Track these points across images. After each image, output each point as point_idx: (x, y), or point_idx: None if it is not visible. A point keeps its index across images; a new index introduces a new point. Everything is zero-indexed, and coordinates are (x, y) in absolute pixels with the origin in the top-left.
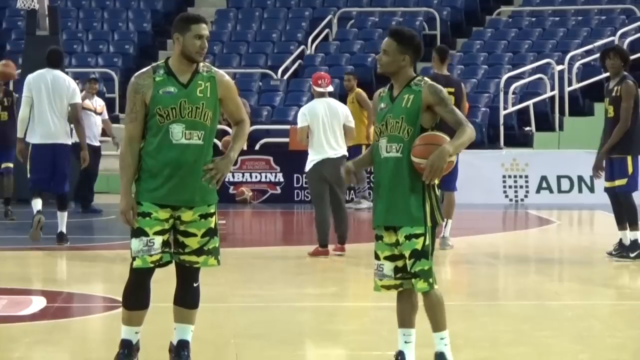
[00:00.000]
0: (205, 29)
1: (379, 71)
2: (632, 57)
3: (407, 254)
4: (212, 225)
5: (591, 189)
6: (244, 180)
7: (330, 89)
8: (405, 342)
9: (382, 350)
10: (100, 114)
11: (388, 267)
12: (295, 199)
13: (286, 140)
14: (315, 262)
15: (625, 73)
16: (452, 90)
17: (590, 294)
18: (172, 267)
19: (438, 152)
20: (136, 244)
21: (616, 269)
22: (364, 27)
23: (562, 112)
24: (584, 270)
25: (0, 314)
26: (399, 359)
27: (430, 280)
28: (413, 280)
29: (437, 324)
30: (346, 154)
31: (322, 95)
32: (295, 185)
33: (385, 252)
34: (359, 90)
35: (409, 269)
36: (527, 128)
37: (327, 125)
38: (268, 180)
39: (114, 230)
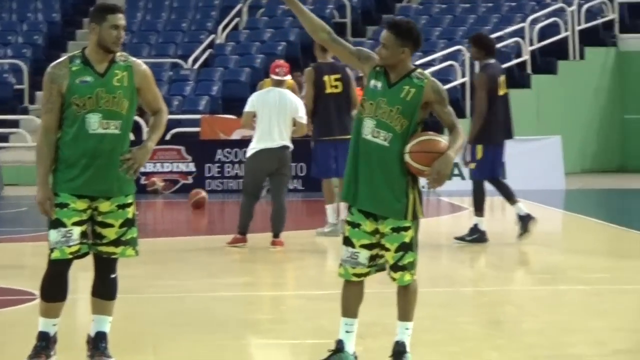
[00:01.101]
0: (121, 19)
1: (379, 64)
2: (543, 43)
3: (393, 247)
4: (130, 216)
5: (503, 176)
6: (155, 170)
7: (288, 77)
8: (347, 331)
9: (301, 339)
10: None
11: (364, 255)
12: (207, 188)
13: (197, 129)
14: (230, 252)
15: (489, 61)
16: (339, 76)
17: (504, 280)
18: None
19: (443, 160)
20: (54, 235)
21: (530, 255)
22: (274, 15)
23: (472, 99)
24: (497, 257)
25: None
26: (339, 348)
27: (414, 272)
28: (399, 272)
29: (408, 315)
30: (289, 145)
31: (278, 84)
32: (206, 175)
33: (363, 240)
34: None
35: (394, 262)
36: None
37: (274, 115)
38: (179, 170)
39: (27, 222)
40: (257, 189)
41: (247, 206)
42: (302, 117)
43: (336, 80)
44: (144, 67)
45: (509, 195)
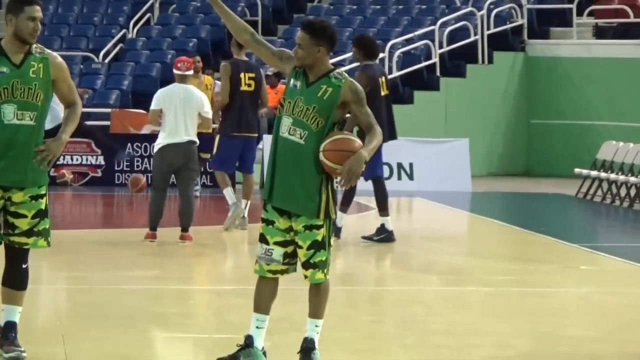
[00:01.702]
0: (38, 11)
1: (297, 64)
2: (452, 47)
3: (305, 244)
4: (43, 207)
5: (410, 176)
6: (65, 162)
7: (190, 72)
8: (257, 327)
9: (208, 334)
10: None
11: (278, 252)
12: (116, 182)
13: (107, 123)
14: (139, 245)
15: (368, 63)
16: (253, 75)
17: (411, 280)
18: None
19: (355, 158)
20: None
21: (437, 256)
22: (186, 12)
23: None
24: (404, 256)
25: None
26: (248, 343)
27: (326, 270)
28: (310, 270)
29: (318, 312)
30: (195, 140)
31: (182, 79)
32: (116, 168)
33: (276, 237)
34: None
35: (306, 259)
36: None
37: (179, 111)
38: (89, 163)
39: None
40: (165, 183)
41: (156, 201)
42: (208, 112)
43: (250, 79)
44: (60, 59)
45: (383, 204)
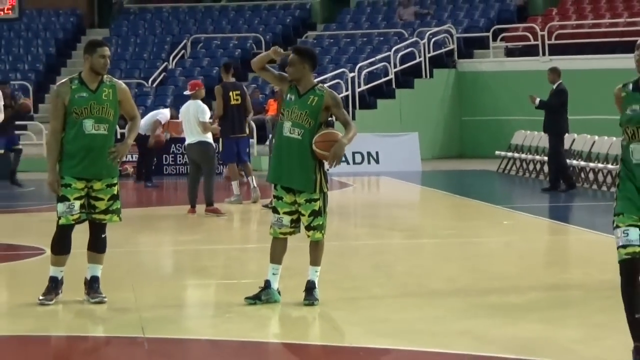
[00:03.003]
0: (107, 51)
1: (289, 79)
2: (404, 66)
3: (306, 213)
4: (115, 192)
5: (377, 161)
6: (127, 160)
7: (187, 93)
8: (273, 273)
9: (237, 279)
10: None
11: (286, 219)
12: (164, 173)
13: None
14: (179, 217)
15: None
16: (239, 92)
17: (380, 235)
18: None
19: (338, 145)
20: (61, 207)
21: (397, 218)
22: (210, 48)
23: (354, 107)
24: (375, 218)
25: None
26: (267, 286)
27: (323, 231)
28: (312, 231)
29: (317, 261)
30: (202, 139)
31: (188, 97)
32: (163, 162)
33: (285, 209)
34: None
35: (308, 223)
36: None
37: (185, 119)
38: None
39: (33, 198)
40: (191, 172)
41: (188, 186)
42: (205, 118)
43: (237, 95)
44: (124, 86)
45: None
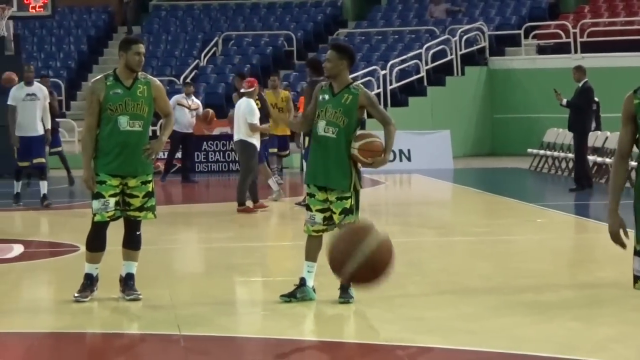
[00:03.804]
0: (142, 48)
1: (325, 75)
2: (435, 64)
3: (338, 210)
4: (150, 189)
5: (409, 159)
6: (159, 157)
7: (251, 89)
8: (308, 271)
9: (272, 277)
10: (195, 109)
11: (319, 217)
12: (196, 170)
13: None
14: (214, 214)
15: (317, 78)
16: (258, 99)
17: (413, 233)
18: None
19: (382, 161)
20: (96, 204)
21: (429, 215)
22: (241, 45)
23: (386, 104)
24: (408, 216)
25: None
26: (302, 283)
27: None
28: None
29: None
30: (244, 138)
31: (242, 95)
32: (195, 160)
33: (317, 206)
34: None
35: (339, 222)
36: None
37: (236, 117)
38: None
39: (68, 195)
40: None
41: (245, 182)
42: (253, 120)
43: (256, 101)
44: (158, 83)
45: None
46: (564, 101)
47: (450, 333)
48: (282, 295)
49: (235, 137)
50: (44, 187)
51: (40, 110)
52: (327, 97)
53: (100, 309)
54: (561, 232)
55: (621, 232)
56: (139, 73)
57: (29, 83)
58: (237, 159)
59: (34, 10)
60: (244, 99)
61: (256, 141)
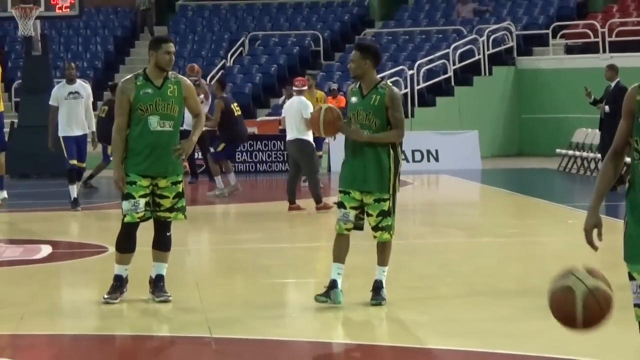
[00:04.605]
0: (172, 47)
1: (351, 75)
2: (463, 64)
3: (375, 213)
4: (180, 190)
5: (436, 159)
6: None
7: (296, 88)
8: (338, 273)
9: (303, 279)
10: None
11: (352, 214)
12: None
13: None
14: (243, 215)
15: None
16: (237, 103)
17: (444, 234)
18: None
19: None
20: (126, 205)
21: (459, 216)
22: (268, 45)
23: (413, 104)
24: (437, 217)
25: (18, 258)
26: (333, 285)
27: (391, 232)
28: (379, 232)
29: (385, 261)
30: (301, 137)
31: (295, 93)
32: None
33: (352, 204)
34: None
35: (375, 224)
36: None
37: (289, 115)
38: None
39: (95, 196)
40: (290, 169)
41: (288, 182)
42: (308, 114)
43: (236, 106)
44: (189, 82)
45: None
46: (602, 107)
47: (485, 335)
48: (318, 296)
49: (289, 137)
50: (73, 191)
51: (84, 108)
52: (356, 99)
53: (130, 310)
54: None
55: (595, 232)
56: (169, 72)
57: (71, 81)
58: (284, 158)
59: (61, 11)
60: (294, 97)
61: (310, 138)
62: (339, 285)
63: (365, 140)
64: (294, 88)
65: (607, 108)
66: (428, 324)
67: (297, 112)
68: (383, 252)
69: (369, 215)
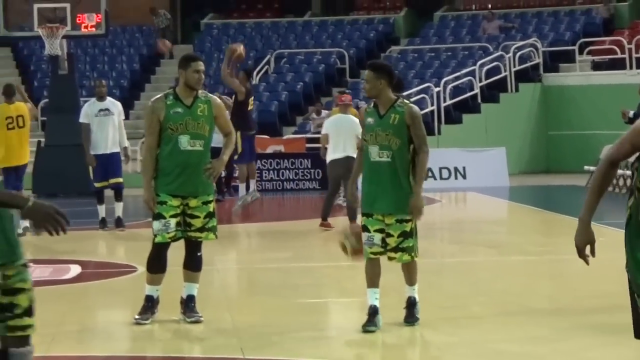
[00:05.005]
0: (201, 65)
1: (366, 96)
2: (489, 81)
3: (395, 234)
4: (211, 210)
5: (464, 176)
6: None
7: (342, 104)
8: (376, 298)
9: (333, 298)
10: None
11: (377, 237)
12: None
13: None
14: (270, 233)
15: None
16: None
17: (474, 252)
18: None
19: (415, 198)
20: (157, 225)
21: (488, 234)
22: (293, 63)
23: (439, 121)
24: (465, 235)
25: (47, 278)
26: (375, 311)
27: (413, 253)
28: (399, 253)
29: (412, 280)
30: (352, 155)
31: (344, 109)
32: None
33: (376, 226)
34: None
35: (396, 245)
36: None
37: (336, 133)
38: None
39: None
40: (335, 187)
41: (328, 200)
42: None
43: (252, 100)
44: (219, 101)
45: None
46: (631, 113)
47: (519, 357)
48: (365, 327)
49: (338, 155)
50: (119, 209)
51: (115, 126)
52: (373, 120)
53: (161, 331)
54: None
55: (588, 248)
56: (199, 91)
57: (101, 98)
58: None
59: (87, 30)
60: (341, 115)
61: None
62: (378, 310)
63: (420, 202)
64: (340, 103)
65: None
66: (460, 345)
67: (350, 130)
68: (409, 271)
69: (389, 235)
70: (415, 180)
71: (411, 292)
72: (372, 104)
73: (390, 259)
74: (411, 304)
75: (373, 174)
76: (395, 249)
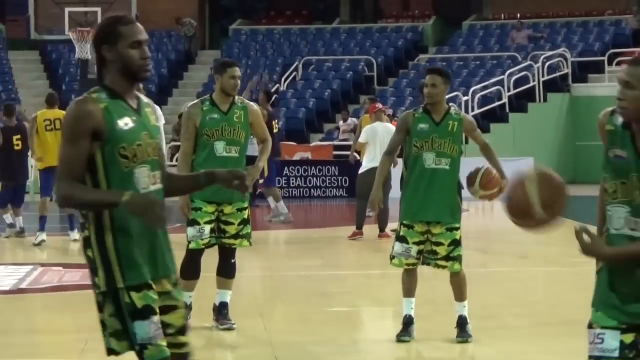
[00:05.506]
0: (237, 71)
1: (428, 102)
2: (517, 90)
3: (446, 242)
4: (246, 216)
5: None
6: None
7: (381, 108)
8: (411, 308)
9: (363, 307)
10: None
11: (415, 249)
12: None
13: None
14: (304, 240)
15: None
16: (277, 121)
17: (506, 263)
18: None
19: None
20: (191, 231)
21: (520, 245)
22: (322, 70)
23: None
24: (497, 245)
25: (78, 283)
26: (410, 321)
27: (461, 262)
28: (450, 262)
29: (462, 295)
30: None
31: (379, 117)
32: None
33: (415, 239)
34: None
35: (447, 254)
36: None
37: (373, 142)
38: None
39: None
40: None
41: (361, 209)
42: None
43: (277, 123)
44: (255, 107)
45: None
46: None
47: None
48: (400, 336)
49: (376, 164)
50: None
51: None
52: (427, 126)
53: (194, 338)
54: None
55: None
56: (236, 97)
57: None
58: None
59: None
60: (377, 123)
61: None
62: (413, 320)
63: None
64: (375, 110)
65: None
66: (498, 356)
67: (389, 139)
68: (459, 285)
69: (438, 244)
70: (499, 170)
71: (461, 309)
72: (420, 109)
73: (439, 267)
74: (463, 323)
75: (424, 181)
76: (447, 258)
